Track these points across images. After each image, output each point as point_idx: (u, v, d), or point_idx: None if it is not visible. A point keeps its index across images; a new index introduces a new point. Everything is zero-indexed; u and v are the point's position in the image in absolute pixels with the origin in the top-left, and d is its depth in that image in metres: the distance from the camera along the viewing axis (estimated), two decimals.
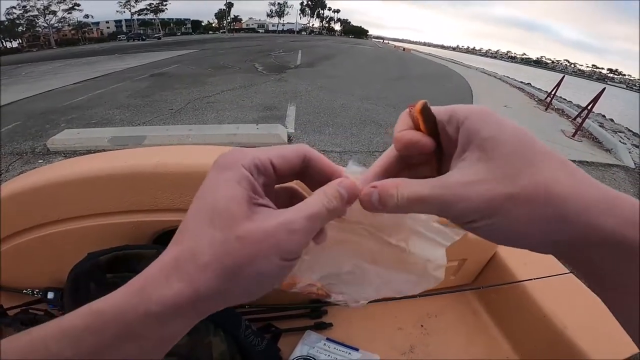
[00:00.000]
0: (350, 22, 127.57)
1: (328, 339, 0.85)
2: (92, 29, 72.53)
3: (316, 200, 0.22)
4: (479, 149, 0.20)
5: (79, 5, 63.47)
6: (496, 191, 0.19)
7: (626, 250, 0.18)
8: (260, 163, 0.23)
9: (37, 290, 0.80)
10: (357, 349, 0.87)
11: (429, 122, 0.22)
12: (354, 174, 0.25)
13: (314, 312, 0.89)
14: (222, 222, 0.21)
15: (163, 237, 0.80)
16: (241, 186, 0.22)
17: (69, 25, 63.38)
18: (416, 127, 0.23)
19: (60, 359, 0.18)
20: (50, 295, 0.78)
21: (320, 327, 0.87)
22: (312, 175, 0.26)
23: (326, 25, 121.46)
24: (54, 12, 57.77)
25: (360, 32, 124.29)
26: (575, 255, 0.20)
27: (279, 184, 0.26)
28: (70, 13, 62.14)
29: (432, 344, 0.88)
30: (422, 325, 0.92)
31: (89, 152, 3.69)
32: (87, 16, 69.30)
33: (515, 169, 0.19)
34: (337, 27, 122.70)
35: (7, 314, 0.75)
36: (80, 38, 62.63)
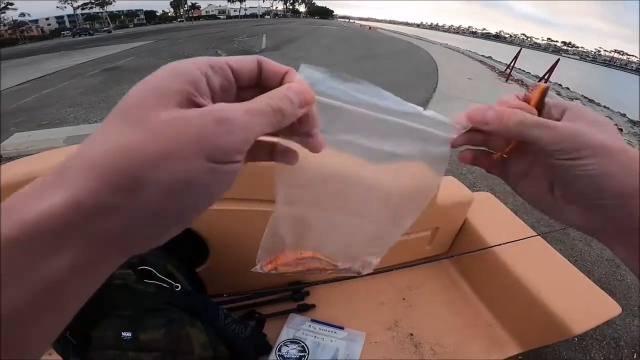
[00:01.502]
0: (314, 3, 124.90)
1: (313, 320, 0.85)
2: (31, 27, 66.50)
3: (260, 98, 0.19)
4: (586, 123, 0.23)
5: (12, 4, 58.29)
6: (607, 139, 0.23)
7: None
8: (216, 63, 0.19)
9: None
10: (342, 328, 0.87)
11: (541, 102, 0.25)
12: (309, 78, 0.22)
13: (296, 294, 0.88)
14: (137, 113, 0.15)
15: None
16: (174, 79, 0.17)
17: (3, 25, 58.15)
18: (527, 100, 0.26)
19: None
20: None
21: (304, 309, 0.86)
22: (269, 85, 0.22)
23: (290, 7, 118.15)
24: None
25: (325, 13, 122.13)
26: (626, 216, 0.22)
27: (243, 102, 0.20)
28: (4, 12, 57.09)
29: (415, 316, 0.89)
30: (403, 299, 0.94)
31: None
32: (23, 14, 63.71)
33: (617, 135, 0.24)
34: (302, 8, 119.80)
35: None
36: (19, 37, 57.27)
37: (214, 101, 0.18)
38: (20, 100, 6.11)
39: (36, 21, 70.50)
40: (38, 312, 0.14)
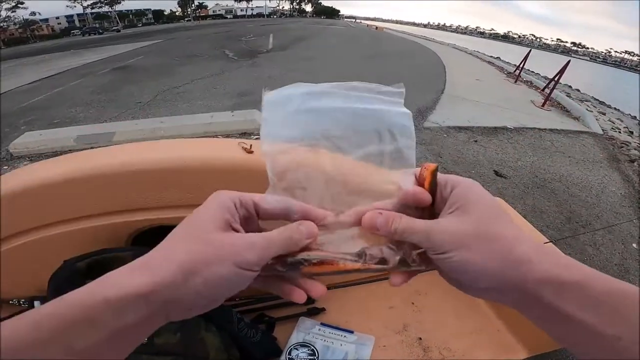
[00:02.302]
0: (321, 3, 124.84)
1: (322, 324, 0.85)
2: (41, 26, 67.42)
3: (278, 230, 0.27)
4: (462, 207, 0.27)
5: (22, 3, 59.02)
6: (468, 230, 0.25)
7: (559, 287, 0.23)
8: (243, 199, 0.28)
9: (23, 300, 0.77)
10: (352, 332, 0.87)
11: (433, 182, 0.28)
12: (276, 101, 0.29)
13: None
14: (196, 233, 0.25)
15: (140, 238, 0.76)
16: (220, 211, 0.26)
17: (14, 24, 58.87)
18: (420, 184, 0.28)
19: (21, 343, 0.19)
20: (36, 304, 0.76)
21: (314, 312, 0.87)
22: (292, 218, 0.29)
23: (297, 7, 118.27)
24: None
25: (332, 13, 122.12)
26: (524, 295, 0.25)
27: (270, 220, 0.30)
28: (14, 12, 57.74)
29: (425, 321, 0.89)
30: (413, 303, 0.94)
31: (55, 153, 3.47)
32: (33, 13, 64.44)
33: (484, 222, 0.26)
34: (308, 8, 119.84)
35: None
36: (30, 36, 58.04)
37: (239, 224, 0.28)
38: (32, 98, 6.20)
39: (46, 20, 71.49)
40: (110, 348, 0.22)
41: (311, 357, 0.80)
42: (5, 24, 56.08)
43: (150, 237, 0.76)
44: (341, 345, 0.84)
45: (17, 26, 59.90)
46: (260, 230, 0.29)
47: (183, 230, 0.26)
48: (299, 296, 0.29)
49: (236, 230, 0.27)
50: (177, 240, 0.25)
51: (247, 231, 0.27)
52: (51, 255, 0.64)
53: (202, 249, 0.24)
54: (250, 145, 0.72)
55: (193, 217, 0.26)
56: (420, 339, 0.90)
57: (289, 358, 0.80)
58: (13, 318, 0.21)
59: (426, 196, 0.28)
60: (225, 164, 0.69)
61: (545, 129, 4.93)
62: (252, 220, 0.29)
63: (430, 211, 0.29)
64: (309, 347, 0.83)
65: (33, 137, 3.89)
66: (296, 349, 0.82)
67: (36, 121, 4.92)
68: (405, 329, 0.92)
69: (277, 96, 0.29)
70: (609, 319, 0.22)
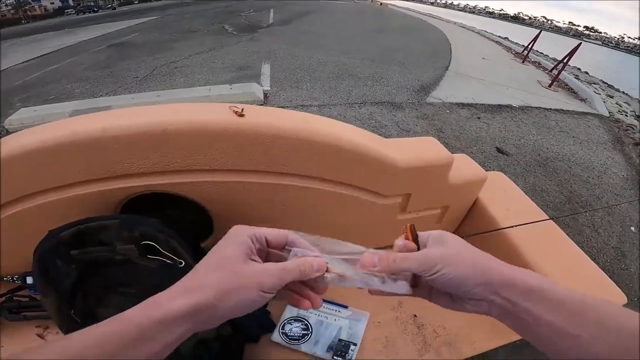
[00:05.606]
0: None
1: None
2: (33, 6, 64.93)
3: (293, 262, 0.35)
4: (441, 242, 0.36)
5: None
6: (452, 252, 0.34)
7: (526, 290, 0.31)
8: (258, 235, 0.35)
9: (16, 277, 0.76)
10: (346, 307, 0.87)
11: (414, 235, 0.38)
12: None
13: None
14: (225, 264, 0.32)
15: (129, 205, 0.74)
16: (242, 246, 0.33)
17: (6, 5, 56.72)
18: (407, 238, 0.38)
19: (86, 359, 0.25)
20: (29, 280, 0.75)
21: None
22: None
23: None
24: None
25: None
26: (500, 296, 0.32)
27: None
28: None
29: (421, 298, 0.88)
30: None
31: None
32: None
33: (460, 248, 0.35)
34: None
35: None
36: (22, 17, 56.00)
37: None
38: (26, 77, 6.08)
39: (39, 0, 68.97)
40: (160, 356, 0.29)
41: (305, 332, 0.80)
42: None
43: (140, 204, 0.74)
44: (335, 320, 0.83)
45: (9, 7, 57.86)
46: (270, 259, 0.37)
47: (214, 262, 0.33)
48: (306, 305, 0.36)
49: (255, 261, 0.34)
50: (210, 269, 0.32)
51: (262, 260, 0.35)
52: (38, 226, 0.61)
53: (232, 279, 0.31)
54: (242, 109, 0.69)
55: (220, 250, 0.33)
56: (415, 316, 0.89)
57: (282, 332, 0.79)
58: (78, 332, 0.27)
59: (413, 245, 0.37)
60: (215, 127, 0.65)
61: (550, 109, 4.83)
62: (264, 250, 0.36)
63: None
64: (303, 321, 0.82)
65: (28, 113, 3.83)
66: (290, 323, 0.81)
67: (32, 98, 4.84)
68: (401, 306, 0.91)
69: None
70: (571, 319, 0.28)
